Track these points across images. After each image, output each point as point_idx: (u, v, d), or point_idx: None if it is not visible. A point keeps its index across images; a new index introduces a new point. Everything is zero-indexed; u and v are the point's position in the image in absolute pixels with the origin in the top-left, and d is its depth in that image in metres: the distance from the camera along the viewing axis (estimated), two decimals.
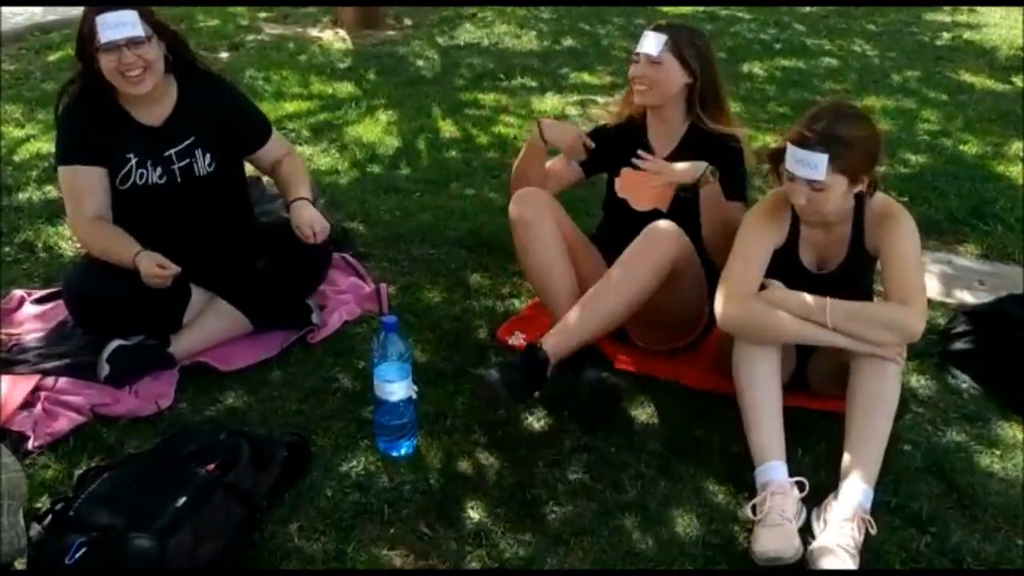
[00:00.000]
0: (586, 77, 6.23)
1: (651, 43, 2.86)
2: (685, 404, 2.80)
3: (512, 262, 3.37)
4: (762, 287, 2.53)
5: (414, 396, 2.57)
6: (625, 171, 3.01)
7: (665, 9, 8.22)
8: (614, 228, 3.06)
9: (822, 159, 2.37)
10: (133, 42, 2.73)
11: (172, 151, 2.92)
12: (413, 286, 3.47)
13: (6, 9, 7.99)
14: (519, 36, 7.21)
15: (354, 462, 2.55)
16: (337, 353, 3.05)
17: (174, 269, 2.77)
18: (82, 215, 2.87)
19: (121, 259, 2.79)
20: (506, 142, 4.95)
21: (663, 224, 2.77)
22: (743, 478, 2.44)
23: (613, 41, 7.17)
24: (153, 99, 2.90)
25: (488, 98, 5.70)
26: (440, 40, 7.08)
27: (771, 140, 5.00)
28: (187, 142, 2.94)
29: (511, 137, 5.02)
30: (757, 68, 6.47)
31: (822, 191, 2.41)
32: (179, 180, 2.94)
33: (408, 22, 7.68)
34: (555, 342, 2.69)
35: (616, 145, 3.02)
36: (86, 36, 2.78)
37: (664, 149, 2.98)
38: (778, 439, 2.41)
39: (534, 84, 6.02)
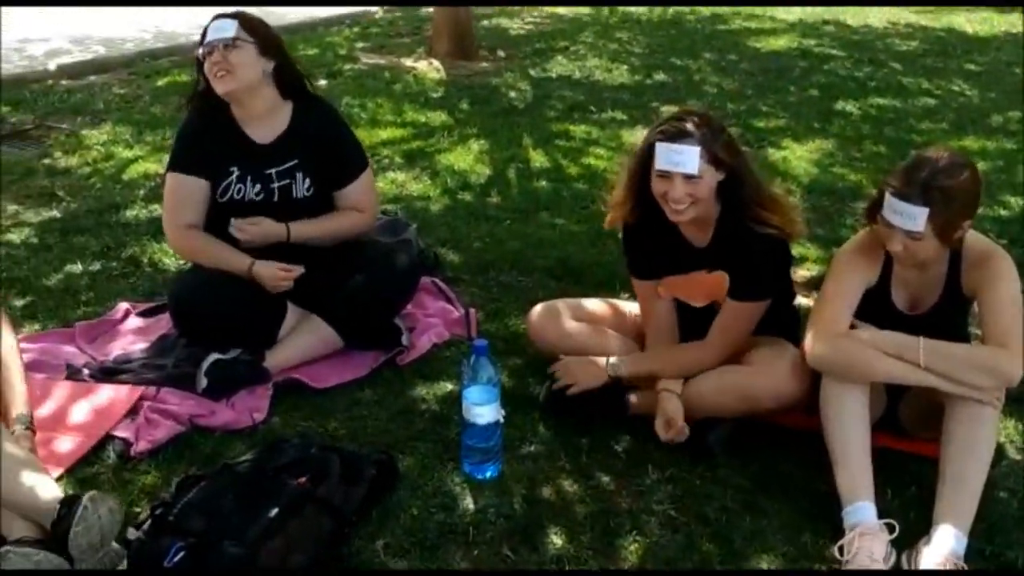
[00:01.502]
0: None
1: (688, 160, 2.52)
2: (772, 439, 2.77)
3: (598, 291, 3.39)
4: (852, 328, 2.51)
5: (501, 420, 2.60)
6: (668, 279, 2.85)
7: (758, 45, 8.20)
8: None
9: (922, 212, 2.32)
10: (226, 44, 2.92)
11: (274, 170, 3.04)
12: (501, 312, 3.52)
13: (118, 35, 8.35)
14: (610, 70, 7.27)
15: (440, 483, 2.59)
16: (425, 375, 3.11)
17: (298, 270, 2.90)
18: (177, 222, 3.04)
19: (232, 266, 2.94)
20: (596, 174, 4.99)
21: (784, 367, 2.63)
22: (830, 517, 2.41)
23: (705, 76, 7.18)
24: (265, 117, 3.04)
25: (579, 130, 5.76)
26: (532, 72, 7.18)
27: (864, 179, 4.95)
28: (290, 164, 3.05)
29: (600, 169, 5.06)
30: (851, 106, 6.40)
31: (919, 240, 2.38)
32: (276, 199, 3.05)
33: (501, 54, 7.80)
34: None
35: (653, 248, 2.82)
36: (200, 42, 2.99)
37: (701, 242, 2.76)
38: (867, 479, 2.37)
39: (624, 117, 6.06)
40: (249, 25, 2.99)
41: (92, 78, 7.10)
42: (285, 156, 3.05)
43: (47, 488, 2.26)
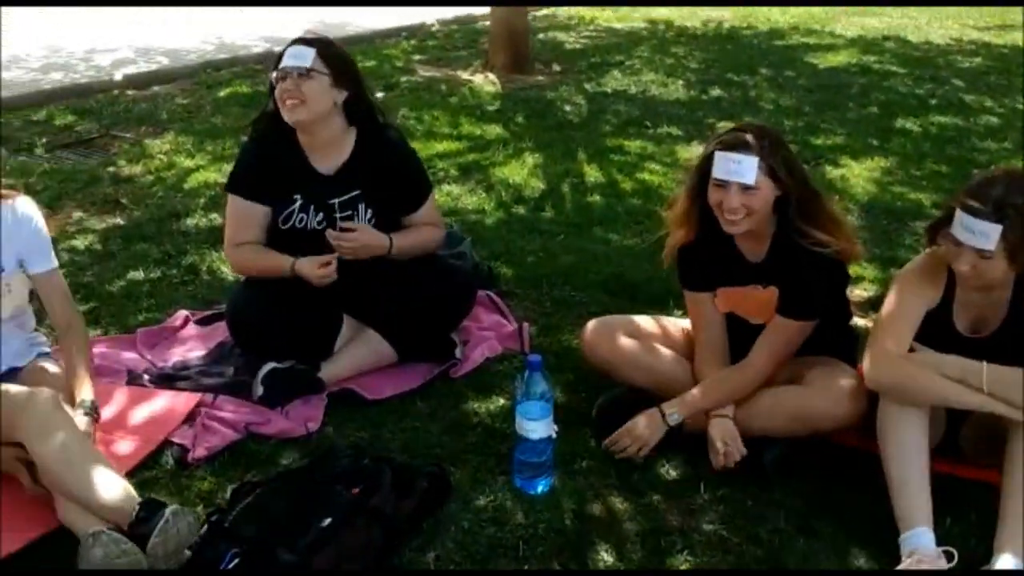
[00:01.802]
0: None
1: (746, 169, 2.51)
2: (827, 460, 2.73)
3: (652, 308, 3.38)
4: (912, 351, 2.48)
5: (554, 436, 2.60)
6: (722, 290, 2.83)
7: (816, 61, 8.12)
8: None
9: (995, 229, 2.28)
10: (300, 73, 2.91)
11: (337, 200, 3.06)
12: (554, 327, 3.52)
13: (182, 46, 8.52)
14: (666, 85, 7.26)
15: (491, 496, 2.60)
16: (478, 388, 3.12)
17: (332, 256, 2.92)
18: (232, 242, 3.07)
19: (277, 270, 2.96)
20: (650, 189, 4.98)
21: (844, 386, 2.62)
22: (887, 543, 2.37)
23: (761, 92, 7.14)
24: (330, 146, 3.05)
25: (633, 145, 5.75)
26: (587, 86, 7.18)
27: (924, 198, 4.88)
28: (352, 194, 3.07)
29: (655, 184, 5.05)
30: (911, 124, 6.31)
31: (990, 259, 2.34)
32: (337, 228, 3.06)
33: (557, 68, 7.82)
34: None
35: (708, 260, 2.80)
36: (275, 63, 2.99)
37: (756, 256, 2.74)
38: (925, 505, 2.33)
39: (679, 133, 6.04)
40: (326, 54, 2.96)
41: (156, 88, 7.24)
42: (348, 186, 3.06)
43: (122, 487, 2.31)
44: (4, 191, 2.67)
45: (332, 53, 2.98)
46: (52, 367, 2.78)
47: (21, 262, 2.68)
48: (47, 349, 2.89)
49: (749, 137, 2.55)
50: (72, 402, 2.58)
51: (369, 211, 3.09)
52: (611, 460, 2.74)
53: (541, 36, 9.13)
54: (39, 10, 9.98)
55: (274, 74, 2.98)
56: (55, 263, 2.76)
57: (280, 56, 2.99)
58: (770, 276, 2.72)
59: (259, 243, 3.06)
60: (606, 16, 10.52)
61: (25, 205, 2.69)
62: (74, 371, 2.68)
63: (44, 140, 5.80)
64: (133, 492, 2.34)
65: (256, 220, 3.05)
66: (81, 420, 2.52)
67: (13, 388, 2.48)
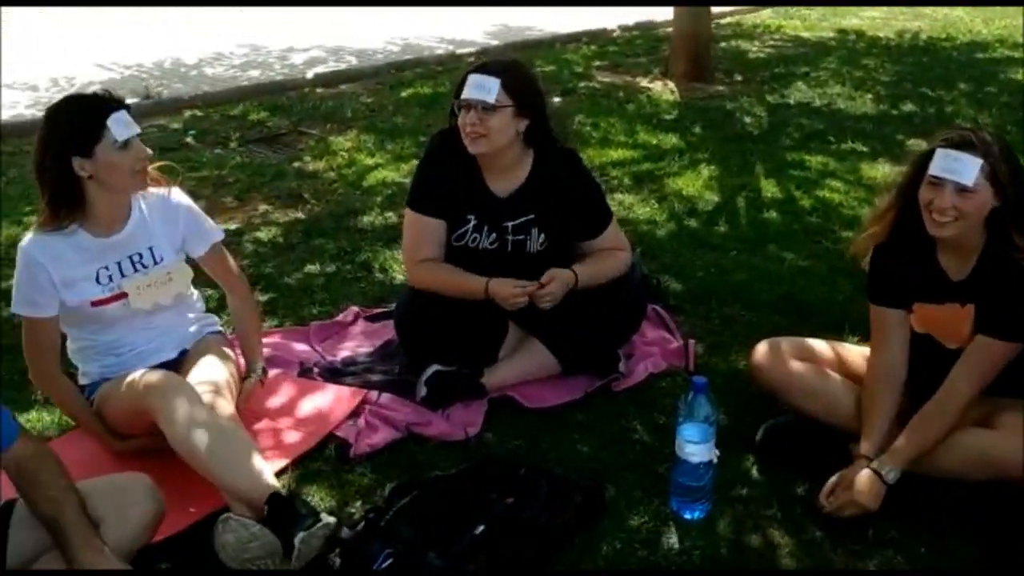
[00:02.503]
0: (924, 146, 5.87)
1: (966, 169, 2.38)
2: (1008, 508, 2.54)
3: (825, 332, 3.23)
4: None
5: (715, 460, 2.53)
6: (919, 306, 2.64)
7: (1020, 77, 7.62)
8: (916, 363, 2.67)
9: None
10: (484, 107, 2.88)
11: (510, 223, 3.06)
12: (721, 346, 3.42)
13: (370, 46, 8.80)
14: (854, 98, 6.96)
15: (645, 517, 2.54)
16: (639, 404, 3.07)
17: (531, 287, 2.92)
18: (415, 258, 3.09)
19: (470, 291, 2.97)
20: (830, 207, 4.78)
21: None
22: None
23: (959, 108, 6.74)
24: (507, 169, 3.05)
25: (815, 160, 5.54)
26: (770, 98, 6.98)
27: None
28: (526, 218, 3.06)
29: (835, 203, 4.84)
30: None
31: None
32: (509, 250, 3.08)
33: (738, 77, 7.64)
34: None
35: (902, 273, 2.63)
36: (456, 89, 2.98)
37: (958, 273, 2.57)
38: None
39: (865, 149, 5.77)
40: (511, 85, 2.90)
41: (343, 87, 7.51)
42: (522, 210, 3.05)
43: (253, 478, 2.37)
44: (160, 181, 2.77)
45: (516, 84, 2.92)
46: (219, 342, 2.91)
47: (181, 249, 2.81)
48: (218, 328, 3.02)
49: (976, 138, 2.43)
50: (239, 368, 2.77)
51: (542, 235, 3.08)
52: (772, 489, 2.64)
53: (724, 44, 8.94)
54: (239, 10, 10.51)
55: (456, 101, 2.95)
56: (213, 239, 2.88)
57: (463, 81, 2.94)
58: (971, 296, 2.54)
59: (439, 259, 3.07)
60: (793, 25, 10.20)
61: (177, 194, 2.82)
62: (245, 336, 2.88)
63: (238, 135, 6.11)
64: (266, 482, 2.37)
65: (437, 236, 3.06)
66: (248, 383, 2.74)
67: (154, 376, 2.55)
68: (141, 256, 2.71)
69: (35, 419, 2.98)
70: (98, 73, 7.80)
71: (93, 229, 2.62)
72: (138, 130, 2.58)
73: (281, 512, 2.26)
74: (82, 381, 2.80)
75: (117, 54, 8.42)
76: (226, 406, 2.58)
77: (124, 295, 2.68)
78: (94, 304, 2.65)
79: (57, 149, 2.52)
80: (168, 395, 2.45)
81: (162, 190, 2.77)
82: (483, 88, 2.88)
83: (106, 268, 2.65)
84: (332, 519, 2.34)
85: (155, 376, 2.54)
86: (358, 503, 2.57)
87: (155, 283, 2.72)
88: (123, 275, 2.67)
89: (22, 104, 6.78)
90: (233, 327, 3.04)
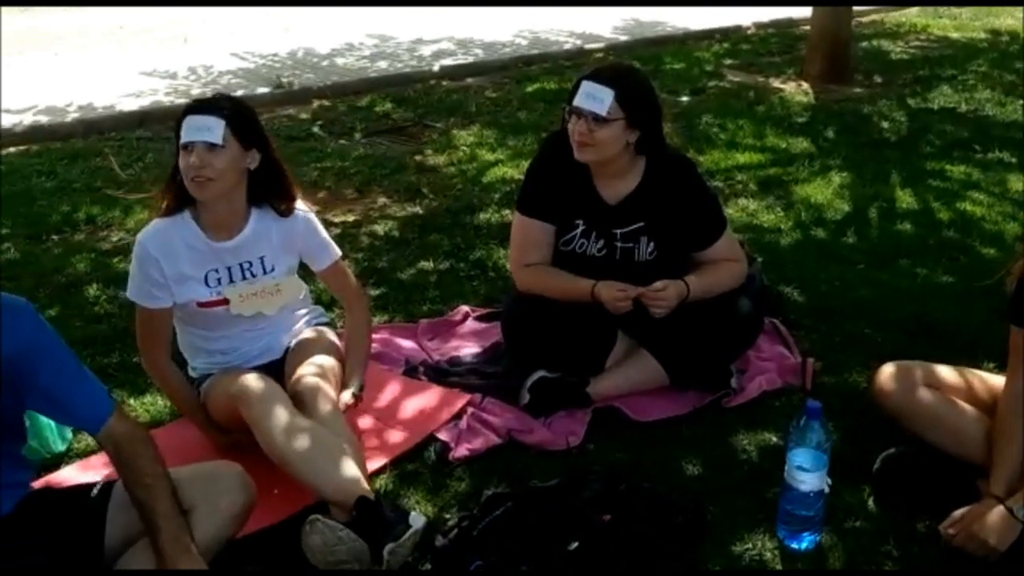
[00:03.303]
0: None
1: None
2: None
3: (958, 357, 3.03)
4: None
5: (826, 489, 2.39)
6: None
7: None
8: None
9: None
10: (594, 119, 2.81)
11: (619, 231, 2.99)
12: (842, 366, 3.25)
13: (498, 39, 8.80)
14: (1004, 104, 6.57)
15: (749, 544, 2.43)
16: (750, 423, 2.94)
17: (635, 291, 2.84)
18: (522, 262, 3.05)
19: (576, 294, 2.91)
20: (970, 221, 4.51)
21: None
22: None
23: None
24: (617, 176, 2.97)
25: (956, 170, 5.24)
26: (911, 102, 6.65)
27: None
28: (635, 226, 2.98)
29: (977, 216, 4.57)
30: None
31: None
32: (617, 258, 3.00)
33: (878, 79, 7.32)
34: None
35: None
36: (570, 93, 2.92)
37: None
38: None
39: (1013, 160, 5.42)
40: (625, 96, 2.80)
41: (469, 80, 7.52)
42: (631, 218, 2.98)
43: (343, 480, 2.35)
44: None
45: (629, 95, 2.82)
46: (327, 332, 2.92)
47: (296, 262, 2.81)
48: (325, 319, 3.03)
49: None
50: (337, 377, 2.72)
51: (651, 244, 3.00)
52: (888, 524, 2.48)
53: (864, 44, 8.58)
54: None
55: (567, 106, 2.89)
56: (334, 256, 2.88)
57: (577, 85, 2.88)
58: None
59: (547, 263, 3.02)
60: (941, 24, 9.71)
61: (301, 205, 2.81)
62: (353, 353, 2.82)
63: (363, 126, 6.18)
64: (357, 486, 2.34)
65: (545, 240, 3.02)
66: (345, 395, 2.67)
67: (248, 383, 2.55)
68: (251, 264, 2.72)
69: (149, 403, 3.06)
70: (234, 63, 8.02)
71: (207, 230, 2.65)
72: (207, 138, 2.49)
73: (369, 516, 2.24)
74: (191, 374, 2.85)
75: (253, 44, 8.65)
76: (327, 400, 2.58)
77: (226, 301, 2.70)
78: (200, 305, 2.69)
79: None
80: (260, 403, 2.47)
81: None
82: (595, 99, 2.80)
83: (216, 271, 2.68)
84: (421, 520, 2.31)
85: (249, 382, 2.55)
86: (453, 509, 2.54)
87: (260, 293, 2.73)
88: (231, 281, 2.69)
89: (161, 91, 7.03)
90: (345, 342, 2.94)
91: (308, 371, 2.66)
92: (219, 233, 2.66)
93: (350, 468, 2.37)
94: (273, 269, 2.75)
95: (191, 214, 2.64)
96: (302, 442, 2.39)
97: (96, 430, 2.07)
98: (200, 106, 2.58)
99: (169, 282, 2.62)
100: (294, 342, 2.87)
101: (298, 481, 2.40)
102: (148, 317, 2.68)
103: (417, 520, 2.29)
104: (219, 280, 2.68)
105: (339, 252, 2.90)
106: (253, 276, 2.72)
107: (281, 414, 2.44)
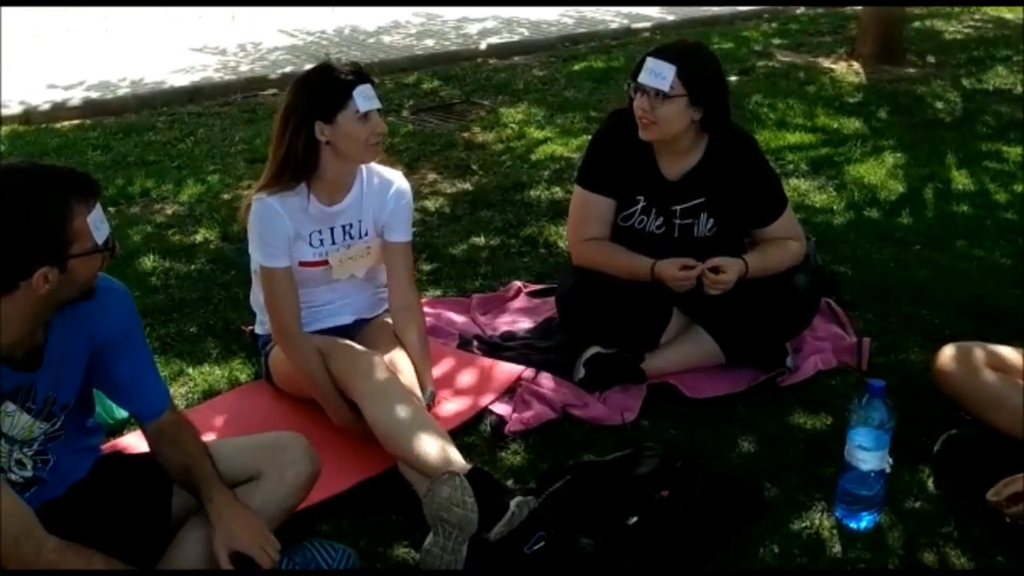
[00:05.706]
0: None
1: None
2: None
3: (1017, 339, 2.98)
4: None
5: (887, 469, 2.37)
6: None
7: None
8: None
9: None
10: (656, 95, 2.79)
11: (679, 207, 2.97)
12: (898, 347, 3.22)
13: (544, 18, 8.74)
14: None
15: (806, 523, 2.42)
16: (805, 402, 2.92)
17: (699, 267, 2.83)
18: (580, 236, 3.04)
19: (634, 272, 2.90)
20: None
21: None
22: None
23: None
24: (680, 153, 2.95)
25: (1013, 152, 5.15)
26: (965, 82, 6.54)
27: None
28: (695, 202, 2.96)
29: None
30: None
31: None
32: (676, 235, 2.99)
33: (931, 59, 7.19)
34: None
35: None
36: (634, 69, 2.90)
37: None
38: None
39: None
40: (687, 74, 2.79)
41: (516, 59, 7.49)
42: (692, 194, 2.96)
43: (443, 457, 2.37)
44: (391, 163, 2.87)
45: (693, 72, 2.80)
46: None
47: (382, 230, 2.83)
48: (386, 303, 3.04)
49: None
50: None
51: (711, 220, 2.98)
52: (950, 505, 2.46)
53: (917, 24, 8.43)
54: None
55: (631, 84, 2.88)
56: (409, 238, 2.90)
57: (641, 63, 2.86)
58: None
59: (605, 238, 3.01)
60: (995, 6, 9.52)
61: (402, 180, 2.87)
62: (416, 354, 2.79)
63: (411, 103, 6.18)
64: (454, 461, 2.35)
65: (604, 215, 3.01)
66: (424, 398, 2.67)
67: (354, 347, 2.63)
68: (351, 226, 2.79)
69: (207, 372, 3.10)
70: (282, 39, 8.05)
71: (318, 194, 2.71)
72: (379, 105, 2.64)
73: (486, 489, 2.20)
74: (259, 331, 2.91)
75: (301, 21, 8.67)
76: (412, 389, 2.63)
77: (326, 262, 2.77)
78: (301, 264, 2.75)
79: (304, 111, 2.62)
80: (370, 374, 2.54)
81: (389, 172, 2.85)
82: (658, 75, 2.79)
83: (319, 232, 2.75)
84: (527, 502, 2.25)
85: (355, 352, 2.62)
86: (509, 482, 2.55)
87: (356, 256, 2.81)
88: (334, 242, 2.77)
89: (211, 67, 7.08)
90: (409, 341, 2.85)
91: (403, 365, 2.72)
92: (328, 197, 2.73)
93: (452, 449, 2.41)
94: (367, 234, 2.82)
95: (305, 185, 2.70)
96: (411, 420, 2.43)
97: (149, 420, 2.11)
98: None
99: (291, 240, 2.69)
100: (367, 315, 2.92)
101: (404, 457, 2.42)
102: (277, 280, 2.70)
103: (520, 503, 2.24)
104: (322, 241, 2.76)
105: (410, 238, 2.92)
106: (351, 239, 2.79)
107: (393, 392, 2.51)
